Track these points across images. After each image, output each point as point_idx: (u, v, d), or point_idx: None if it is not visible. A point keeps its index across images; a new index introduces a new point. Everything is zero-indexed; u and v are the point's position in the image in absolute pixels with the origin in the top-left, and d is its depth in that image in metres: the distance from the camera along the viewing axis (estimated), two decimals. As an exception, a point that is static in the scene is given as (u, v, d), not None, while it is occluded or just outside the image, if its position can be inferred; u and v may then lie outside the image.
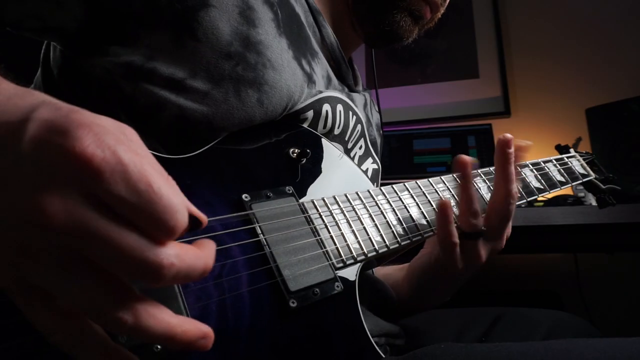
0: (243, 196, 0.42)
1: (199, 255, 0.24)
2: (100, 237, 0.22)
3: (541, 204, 1.23)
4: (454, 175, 0.59)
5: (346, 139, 0.58)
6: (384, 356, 0.41)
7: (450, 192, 0.57)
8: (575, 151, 0.84)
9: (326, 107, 0.53)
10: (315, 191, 0.48)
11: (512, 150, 0.52)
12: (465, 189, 0.51)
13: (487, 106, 1.77)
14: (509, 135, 0.52)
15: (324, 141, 0.53)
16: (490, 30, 1.82)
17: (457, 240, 0.50)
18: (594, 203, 1.25)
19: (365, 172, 0.63)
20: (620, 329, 1.44)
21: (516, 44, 1.78)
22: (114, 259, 0.22)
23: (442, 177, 0.59)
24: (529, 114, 1.73)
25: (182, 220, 0.23)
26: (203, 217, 0.25)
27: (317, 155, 0.51)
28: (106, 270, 0.23)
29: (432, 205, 0.54)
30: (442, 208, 0.49)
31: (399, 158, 1.63)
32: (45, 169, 0.22)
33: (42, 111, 0.23)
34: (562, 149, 0.84)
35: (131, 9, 0.43)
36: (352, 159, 0.60)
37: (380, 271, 0.71)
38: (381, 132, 0.76)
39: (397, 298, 0.64)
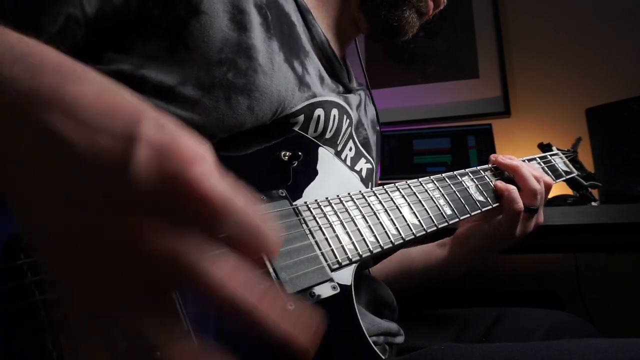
0: None
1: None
2: (198, 272, 0.21)
3: (541, 204, 1.22)
4: (443, 175, 0.60)
5: (337, 142, 0.58)
6: (382, 357, 0.41)
7: (440, 191, 0.57)
8: (558, 149, 0.84)
9: (319, 111, 0.53)
10: (308, 193, 0.48)
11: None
12: (519, 178, 0.65)
13: (487, 106, 1.77)
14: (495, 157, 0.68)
15: (315, 144, 0.53)
16: (490, 30, 1.81)
17: (521, 208, 0.62)
18: (594, 203, 1.24)
19: (360, 172, 0.63)
20: (620, 329, 1.43)
21: (516, 44, 1.78)
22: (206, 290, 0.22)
23: (432, 177, 0.59)
24: (529, 114, 1.72)
25: (278, 240, 0.24)
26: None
27: (309, 158, 0.51)
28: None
29: (423, 205, 0.54)
30: (509, 189, 0.63)
31: (399, 158, 1.63)
32: (161, 203, 0.21)
33: (147, 129, 0.22)
34: (544, 148, 0.85)
35: (125, 21, 0.43)
36: (345, 160, 0.60)
37: (415, 250, 0.76)
38: (377, 127, 0.76)
39: (441, 264, 0.72)
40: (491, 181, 0.65)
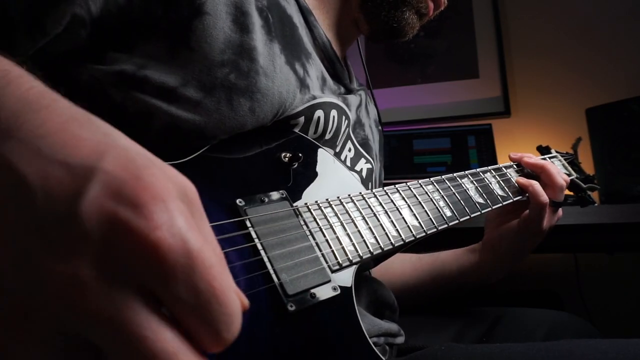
0: (237, 201, 0.42)
1: None
2: (136, 337, 0.18)
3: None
4: (443, 177, 0.60)
5: (336, 143, 0.58)
6: (383, 357, 0.41)
7: (440, 193, 0.57)
8: (556, 151, 0.85)
9: (319, 113, 0.53)
10: (308, 195, 0.48)
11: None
12: (547, 176, 0.68)
13: (487, 106, 1.76)
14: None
15: (315, 145, 0.53)
16: (490, 30, 1.81)
17: (547, 200, 0.65)
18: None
19: (360, 172, 0.63)
20: (620, 329, 1.43)
21: (516, 44, 1.78)
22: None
23: (432, 179, 0.59)
24: (529, 114, 1.72)
25: (237, 329, 0.20)
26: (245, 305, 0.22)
27: (309, 160, 0.51)
28: None
29: (423, 207, 0.54)
30: (532, 183, 0.66)
31: (399, 158, 1.63)
32: (101, 244, 0.18)
33: (109, 162, 0.19)
34: (543, 150, 0.85)
35: (129, 20, 0.43)
36: (345, 161, 0.60)
37: (444, 255, 0.77)
38: (380, 127, 0.76)
39: (475, 270, 0.72)
40: (491, 183, 0.66)
